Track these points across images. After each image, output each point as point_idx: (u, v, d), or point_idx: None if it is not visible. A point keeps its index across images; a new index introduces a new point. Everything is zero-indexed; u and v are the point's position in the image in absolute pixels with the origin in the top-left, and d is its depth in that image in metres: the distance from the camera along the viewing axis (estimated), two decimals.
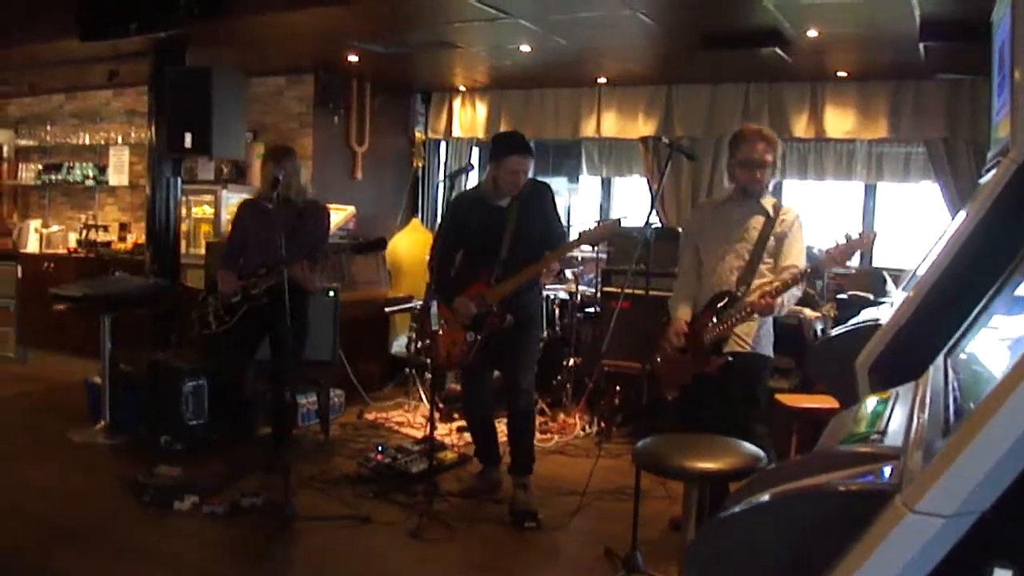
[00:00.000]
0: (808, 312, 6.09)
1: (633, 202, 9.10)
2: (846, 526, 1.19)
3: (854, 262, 5.48)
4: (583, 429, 6.48)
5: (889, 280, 6.73)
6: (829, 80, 7.26)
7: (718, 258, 4.25)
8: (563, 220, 4.99)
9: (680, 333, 4.25)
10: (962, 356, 1.61)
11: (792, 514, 1.26)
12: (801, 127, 7.47)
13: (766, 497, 1.30)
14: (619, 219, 4.55)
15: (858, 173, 7.79)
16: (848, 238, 3.75)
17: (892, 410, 1.61)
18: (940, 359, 1.72)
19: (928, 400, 1.50)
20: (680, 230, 7.51)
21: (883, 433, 1.48)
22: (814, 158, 7.90)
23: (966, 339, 1.68)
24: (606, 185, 9.30)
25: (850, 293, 6.28)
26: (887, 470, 1.26)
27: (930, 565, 1.07)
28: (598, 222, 4.77)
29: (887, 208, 7.99)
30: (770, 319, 4.19)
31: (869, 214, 7.95)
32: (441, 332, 4.88)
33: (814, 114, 7.44)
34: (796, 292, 3.99)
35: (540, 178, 5.62)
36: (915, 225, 7.83)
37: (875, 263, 7.49)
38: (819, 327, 6.08)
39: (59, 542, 4.23)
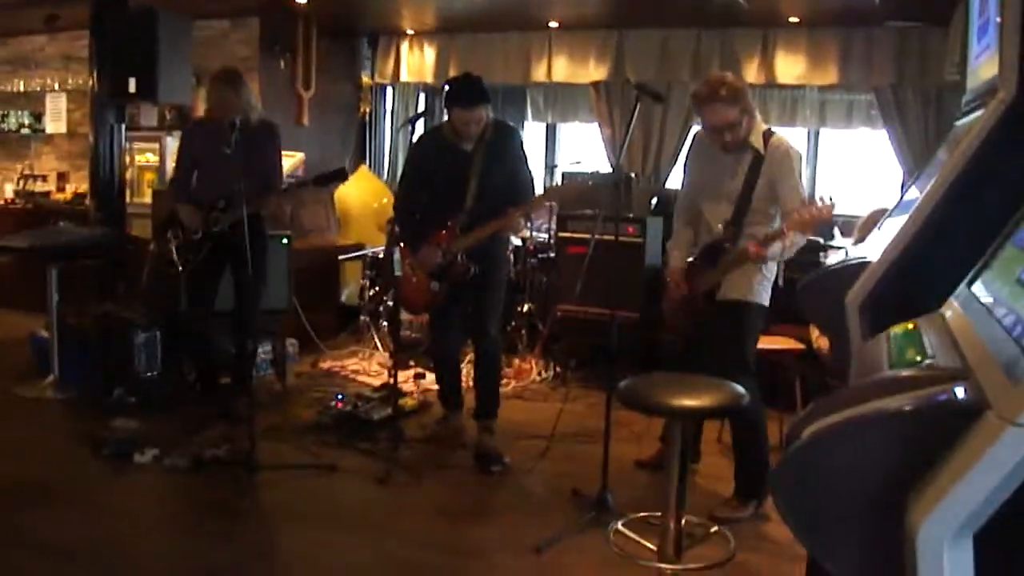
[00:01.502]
0: None
1: (579, 148, 9.10)
2: (932, 444, 1.23)
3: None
4: (539, 374, 6.51)
5: (837, 227, 6.85)
6: (781, 26, 7.30)
7: (712, 205, 4.17)
8: (529, 166, 4.90)
9: (679, 283, 4.25)
10: (991, 285, 1.65)
11: (878, 435, 1.30)
12: (752, 73, 7.51)
13: (847, 421, 1.33)
14: (588, 179, 4.47)
15: (802, 120, 7.89)
16: (807, 206, 3.67)
17: (927, 338, 1.65)
18: (963, 289, 1.76)
19: (973, 326, 1.55)
20: (632, 175, 7.64)
21: (933, 358, 1.52)
22: (759, 104, 7.95)
23: (987, 271, 1.72)
24: (551, 131, 9.29)
25: None
26: (960, 390, 1.29)
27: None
28: (564, 176, 4.71)
29: (830, 155, 8.11)
30: (771, 268, 4.12)
31: (812, 160, 8.06)
32: (404, 278, 4.84)
33: (764, 60, 7.49)
34: (792, 241, 3.84)
35: None
36: (857, 171, 7.97)
37: None
38: (771, 271, 6.15)
39: (18, 499, 4.14)
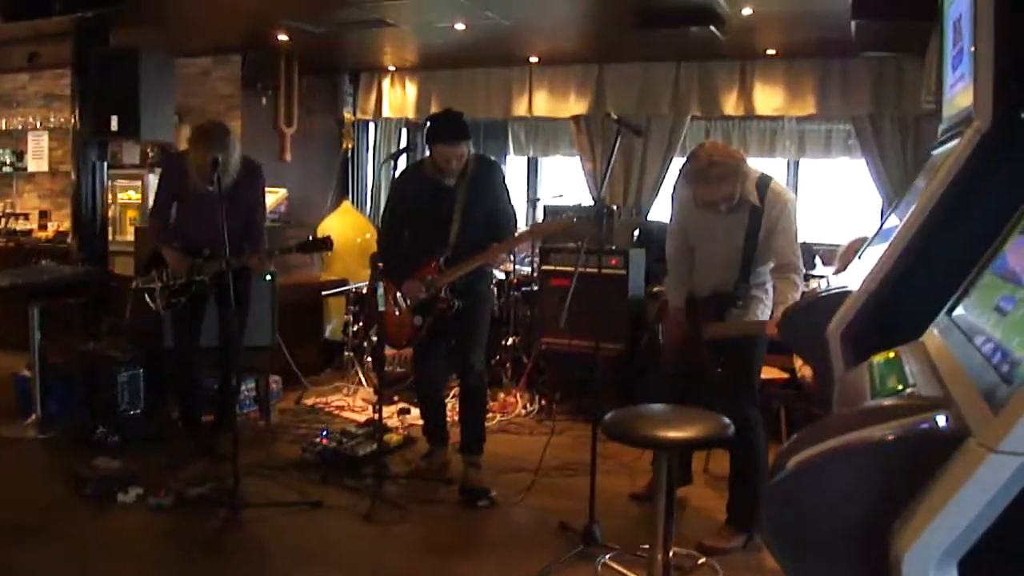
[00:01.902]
0: None
1: (560, 181, 9.15)
2: (915, 472, 1.25)
3: None
4: (524, 407, 6.51)
5: (817, 256, 6.92)
6: (759, 59, 7.39)
7: (710, 250, 4.17)
8: (511, 201, 4.93)
9: (680, 322, 4.26)
10: (970, 313, 1.68)
11: (862, 464, 1.32)
12: (731, 105, 7.60)
13: (831, 450, 1.35)
14: (573, 216, 4.47)
15: (782, 150, 7.97)
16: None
17: (908, 366, 1.67)
18: (943, 317, 1.78)
19: (953, 354, 1.57)
20: (615, 208, 7.68)
21: (915, 387, 1.54)
22: (738, 135, 8.05)
23: (966, 298, 1.74)
24: (532, 164, 9.35)
25: None
26: (941, 418, 1.31)
27: (1007, 502, 1.14)
28: (546, 209, 4.73)
29: (809, 184, 8.19)
30: (770, 295, 4.11)
31: (793, 190, 8.12)
32: (387, 312, 4.84)
33: (743, 92, 7.58)
34: (797, 291, 3.94)
35: None
36: (836, 200, 8.05)
37: (800, 239, 7.66)
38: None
39: (2, 539, 4.10)
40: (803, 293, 3.99)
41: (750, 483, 4.08)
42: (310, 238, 5.01)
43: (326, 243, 4.97)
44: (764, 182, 4.03)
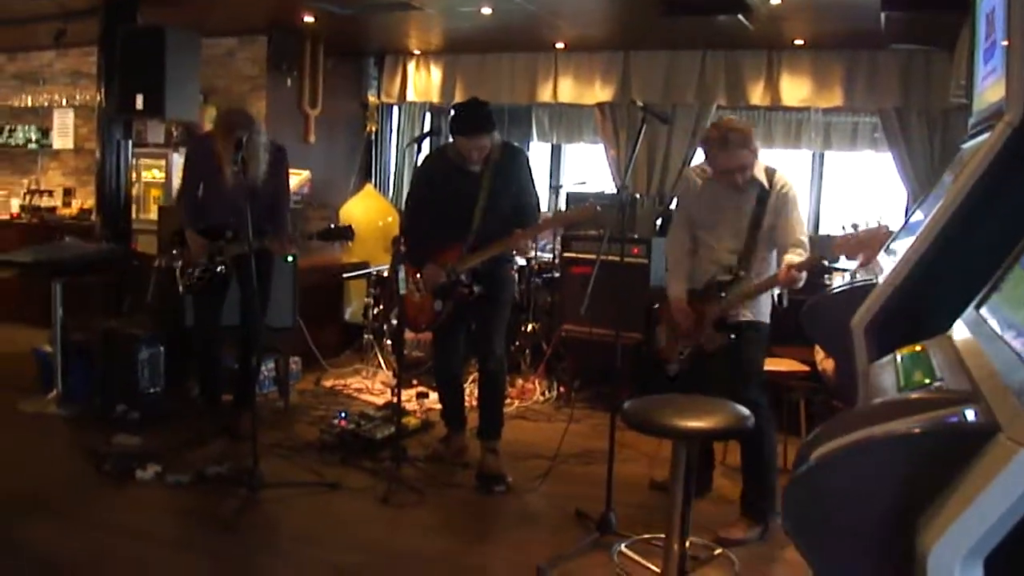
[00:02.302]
0: None
1: (583, 168, 9.12)
2: (942, 467, 1.23)
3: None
4: (542, 394, 6.50)
5: None
6: (786, 48, 7.33)
7: (715, 236, 4.23)
8: (536, 188, 4.92)
9: (683, 310, 4.26)
10: (999, 307, 1.65)
11: (888, 457, 1.30)
12: (757, 95, 7.54)
13: (856, 442, 1.33)
14: (596, 204, 4.46)
15: (807, 142, 7.90)
16: (856, 229, 3.70)
17: (935, 360, 1.65)
18: (972, 311, 1.76)
19: (982, 348, 1.55)
20: (638, 196, 7.65)
21: (942, 381, 1.52)
22: (763, 126, 7.99)
23: (995, 293, 1.72)
24: (556, 151, 9.32)
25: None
26: (970, 412, 1.29)
27: None
28: (569, 196, 4.71)
29: (835, 177, 8.12)
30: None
31: (817, 182, 8.08)
32: (408, 296, 4.84)
33: (770, 82, 7.51)
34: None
35: None
36: (861, 193, 7.99)
37: (823, 231, 7.63)
38: (776, 291, 6.15)
39: (20, 513, 4.12)
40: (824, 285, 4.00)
41: (762, 472, 4.11)
42: (331, 226, 4.99)
43: (347, 232, 4.95)
44: (771, 169, 4.18)
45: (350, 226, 5.01)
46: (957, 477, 1.20)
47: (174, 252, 5.20)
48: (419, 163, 5.06)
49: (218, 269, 5.08)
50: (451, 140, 4.79)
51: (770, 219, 4.11)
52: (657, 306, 4.52)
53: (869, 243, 3.57)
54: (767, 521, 4.07)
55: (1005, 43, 2.22)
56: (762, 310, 4.21)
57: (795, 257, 3.97)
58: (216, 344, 5.34)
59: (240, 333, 5.26)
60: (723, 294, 4.13)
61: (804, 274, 3.93)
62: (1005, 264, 1.73)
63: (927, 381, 1.56)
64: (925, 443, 1.28)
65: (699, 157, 4.57)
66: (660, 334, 4.47)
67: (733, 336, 4.12)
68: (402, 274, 4.75)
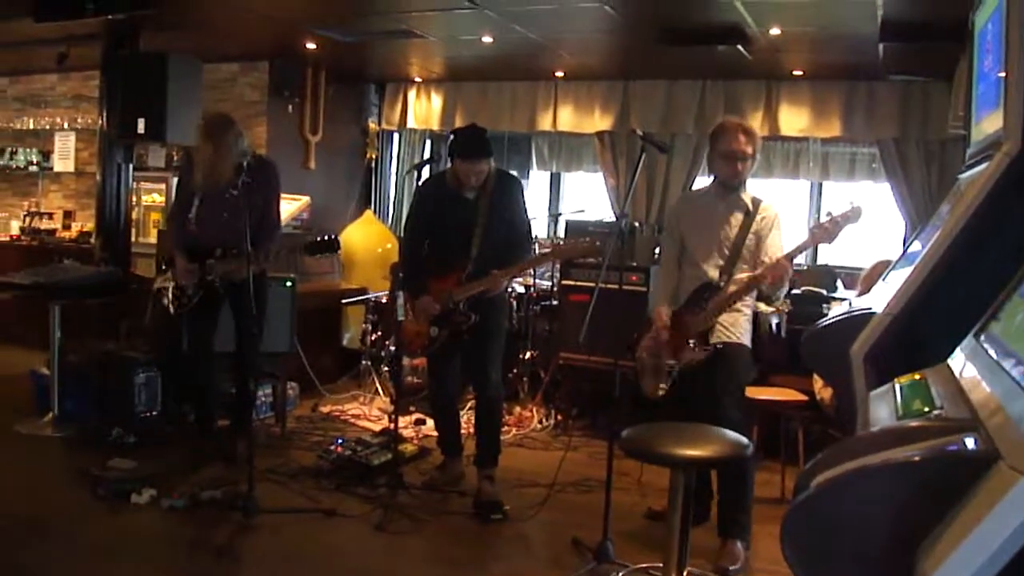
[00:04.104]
0: (763, 307, 6.16)
1: (582, 197, 9.13)
2: (942, 495, 1.23)
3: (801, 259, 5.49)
4: (540, 422, 6.48)
5: (839, 279, 6.88)
6: (784, 79, 7.37)
7: (703, 252, 4.26)
8: (529, 216, 4.97)
9: (666, 327, 4.26)
10: (998, 336, 1.65)
11: (888, 485, 1.30)
12: (756, 125, 7.52)
13: (856, 470, 1.33)
14: (597, 240, 4.47)
15: (805, 172, 7.93)
16: (831, 214, 3.82)
17: (935, 389, 1.65)
18: (970, 340, 1.76)
19: (981, 377, 1.55)
20: (637, 224, 7.66)
21: (942, 409, 1.52)
22: (762, 157, 7.98)
23: (994, 322, 1.72)
24: (555, 179, 9.35)
25: (804, 289, 6.39)
26: (970, 440, 1.29)
27: None
28: (568, 225, 4.72)
29: (833, 207, 8.11)
30: (749, 312, 4.23)
31: (816, 212, 8.09)
32: (405, 321, 4.84)
33: (768, 112, 7.55)
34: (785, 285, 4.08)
35: None
36: (860, 225, 7.98)
37: (822, 261, 7.64)
38: (774, 321, 6.15)
39: (14, 537, 4.10)
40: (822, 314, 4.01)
41: (742, 491, 4.10)
42: (317, 239, 4.94)
43: (332, 244, 4.92)
44: (758, 199, 4.26)
45: (336, 239, 4.95)
46: (957, 505, 1.20)
47: (168, 273, 5.19)
48: (418, 188, 5.07)
49: (200, 292, 5.06)
50: (448, 166, 4.81)
51: (753, 240, 4.16)
52: (636, 335, 4.50)
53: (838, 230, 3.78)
54: (747, 538, 4.08)
55: (1002, 74, 2.24)
56: (745, 333, 4.20)
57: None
58: (208, 368, 5.30)
59: (235, 358, 5.24)
60: (705, 303, 4.14)
61: (791, 269, 3.99)
62: (1003, 293, 1.73)
63: (926, 409, 1.56)
64: (925, 471, 1.28)
65: (698, 185, 4.60)
66: (641, 361, 4.44)
67: (713, 349, 4.10)
68: (401, 300, 4.75)
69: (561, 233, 7.84)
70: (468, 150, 4.67)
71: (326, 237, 4.88)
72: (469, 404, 5.81)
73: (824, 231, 3.86)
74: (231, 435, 5.29)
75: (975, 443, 1.28)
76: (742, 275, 4.14)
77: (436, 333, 4.78)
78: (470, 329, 4.73)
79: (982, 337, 1.72)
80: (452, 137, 4.86)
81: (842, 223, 3.81)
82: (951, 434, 1.33)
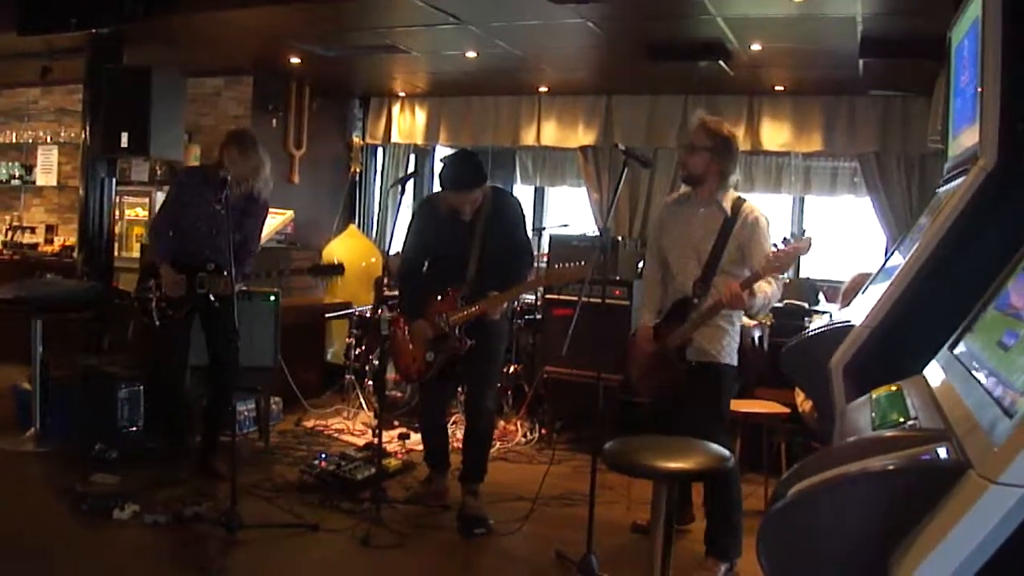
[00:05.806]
0: (746, 320, 6.20)
1: (566, 211, 9.16)
2: (915, 503, 1.25)
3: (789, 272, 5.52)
4: (524, 436, 6.49)
5: (821, 292, 6.93)
6: (766, 94, 7.43)
7: (681, 262, 4.21)
8: (528, 234, 4.89)
9: (650, 339, 4.26)
10: (973, 348, 1.68)
11: (862, 494, 1.32)
12: (738, 140, 7.59)
13: (831, 479, 1.35)
14: (589, 265, 4.45)
15: (787, 186, 7.98)
16: (786, 242, 3.70)
17: (910, 400, 1.67)
18: (945, 352, 1.79)
19: (955, 387, 1.57)
20: (620, 238, 7.69)
21: (916, 419, 1.54)
22: (744, 170, 8.05)
23: (968, 334, 1.75)
24: (539, 194, 9.37)
25: (786, 302, 6.42)
26: (942, 450, 1.31)
27: (1007, 533, 1.14)
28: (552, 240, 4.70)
29: (815, 221, 8.20)
30: (736, 328, 4.18)
31: (798, 226, 8.14)
32: (401, 346, 4.83)
33: (750, 127, 7.61)
34: (774, 291, 3.90)
35: None
36: (841, 238, 8.05)
37: (804, 274, 7.69)
38: (756, 334, 6.18)
39: None
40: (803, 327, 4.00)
41: (728, 510, 4.08)
42: (323, 263, 4.99)
43: (338, 269, 4.98)
44: (740, 199, 4.14)
45: (341, 264, 5.03)
46: (930, 513, 1.22)
47: (150, 283, 5.15)
48: (411, 212, 5.04)
49: (189, 305, 5.06)
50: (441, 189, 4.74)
51: (734, 247, 4.06)
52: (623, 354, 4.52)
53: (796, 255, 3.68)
54: (732, 559, 4.06)
55: (979, 90, 2.28)
56: (725, 350, 4.13)
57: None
58: (182, 383, 5.27)
59: (209, 373, 5.24)
60: (682, 318, 4.11)
61: (756, 299, 3.83)
62: (978, 306, 1.76)
63: (902, 420, 1.59)
64: (899, 480, 1.30)
65: None
66: (631, 370, 4.46)
67: (689, 365, 4.09)
68: (385, 315, 4.75)
69: (545, 248, 7.86)
70: (458, 182, 4.56)
71: (334, 262, 4.95)
72: (454, 419, 5.83)
73: (774, 262, 3.72)
74: (211, 449, 5.27)
75: (947, 452, 1.31)
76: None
77: (432, 358, 4.74)
78: (467, 353, 4.70)
79: (957, 349, 1.75)
80: (442, 167, 4.67)
81: (793, 254, 3.71)
82: (925, 444, 1.35)
